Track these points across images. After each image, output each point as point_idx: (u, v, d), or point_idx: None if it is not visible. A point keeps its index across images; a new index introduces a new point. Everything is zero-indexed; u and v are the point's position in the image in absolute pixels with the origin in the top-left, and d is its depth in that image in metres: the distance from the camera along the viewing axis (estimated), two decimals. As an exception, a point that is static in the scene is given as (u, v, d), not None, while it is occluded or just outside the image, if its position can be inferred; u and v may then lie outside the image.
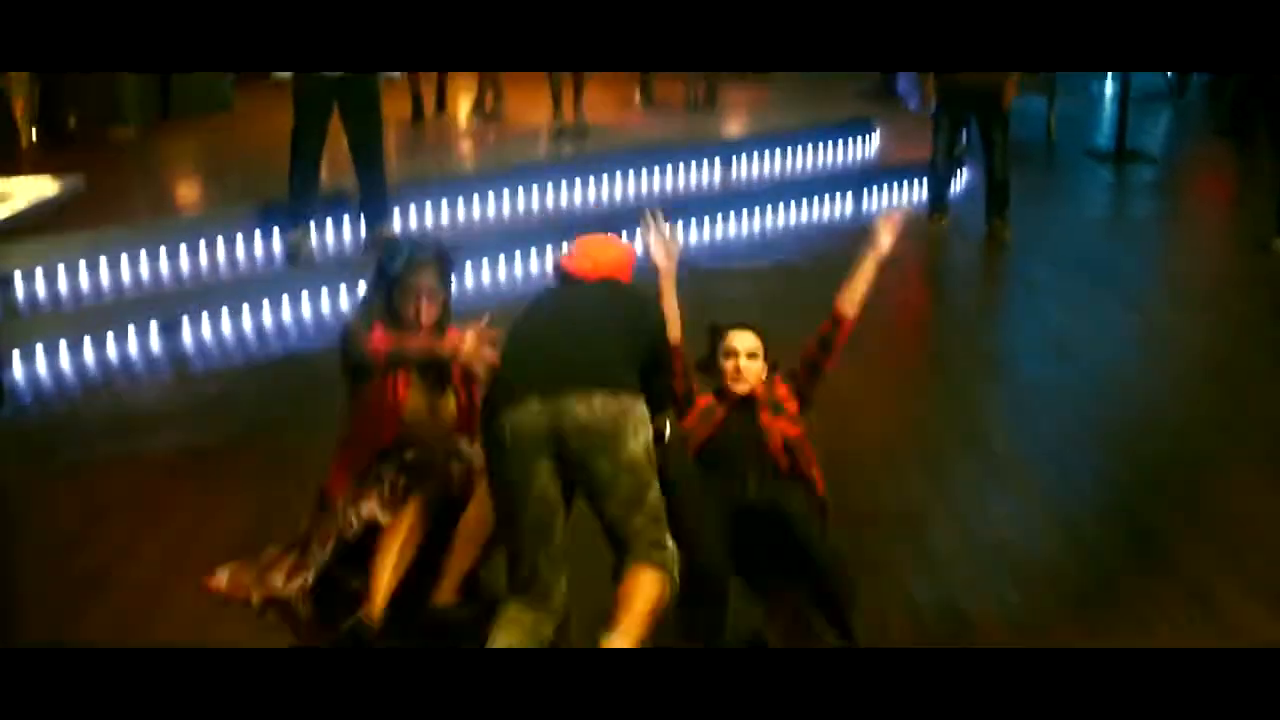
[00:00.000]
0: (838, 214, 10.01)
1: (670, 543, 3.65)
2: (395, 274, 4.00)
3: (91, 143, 9.63)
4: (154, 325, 7.15)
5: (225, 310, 7.40)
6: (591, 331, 3.80)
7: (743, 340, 4.46)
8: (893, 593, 4.22)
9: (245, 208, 8.24)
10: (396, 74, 10.54)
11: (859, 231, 9.32)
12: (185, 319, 7.27)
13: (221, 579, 3.85)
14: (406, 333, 3.95)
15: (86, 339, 6.92)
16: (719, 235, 9.34)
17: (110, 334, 7.01)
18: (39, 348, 6.76)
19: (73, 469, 5.35)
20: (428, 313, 4.00)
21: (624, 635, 3.44)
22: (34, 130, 10.64)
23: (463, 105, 12.18)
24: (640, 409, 3.66)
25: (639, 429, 3.62)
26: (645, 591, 3.56)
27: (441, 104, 11.62)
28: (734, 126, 11.96)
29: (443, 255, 4.14)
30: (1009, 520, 4.77)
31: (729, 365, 4.41)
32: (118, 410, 6.01)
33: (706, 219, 9.49)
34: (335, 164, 8.49)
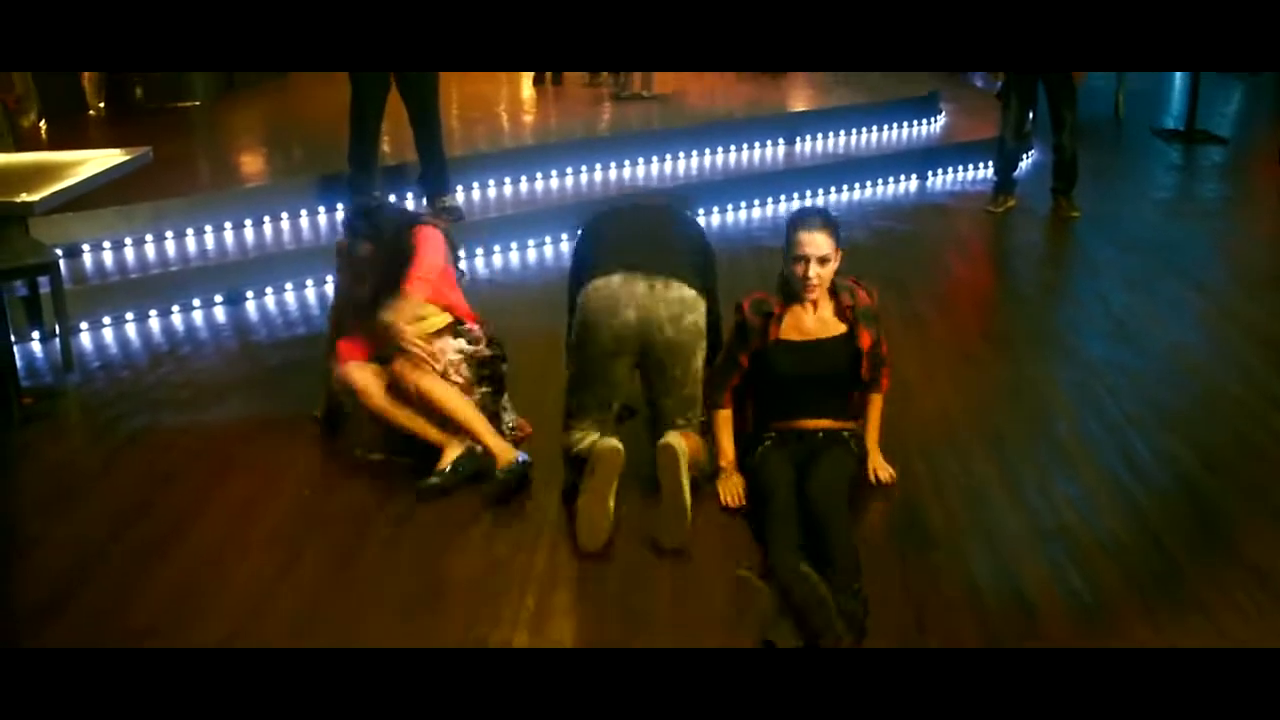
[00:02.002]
0: (902, 191, 9.95)
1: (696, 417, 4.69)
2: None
3: (158, 114, 9.72)
4: (218, 295, 7.23)
5: (288, 281, 7.47)
6: (661, 236, 4.79)
7: (814, 245, 4.62)
8: (953, 573, 4.19)
9: (309, 179, 8.30)
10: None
11: (922, 209, 9.29)
12: (249, 289, 7.34)
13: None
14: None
15: (152, 309, 7.00)
16: (782, 211, 9.31)
17: (175, 304, 7.09)
18: (106, 317, 6.86)
19: (137, 436, 5.41)
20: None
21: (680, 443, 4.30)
22: (101, 101, 10.79)
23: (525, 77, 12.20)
24: (700, 305, 4.62)
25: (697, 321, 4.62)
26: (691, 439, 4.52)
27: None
28: (799, 101, 11.90)
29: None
30: (1071, 502, 4.72)
31: (799, 269, 4.64)
32: (182, 379, 6.07)
33: (769, 195, 9.47)
34: (396, 136, 8.53)
